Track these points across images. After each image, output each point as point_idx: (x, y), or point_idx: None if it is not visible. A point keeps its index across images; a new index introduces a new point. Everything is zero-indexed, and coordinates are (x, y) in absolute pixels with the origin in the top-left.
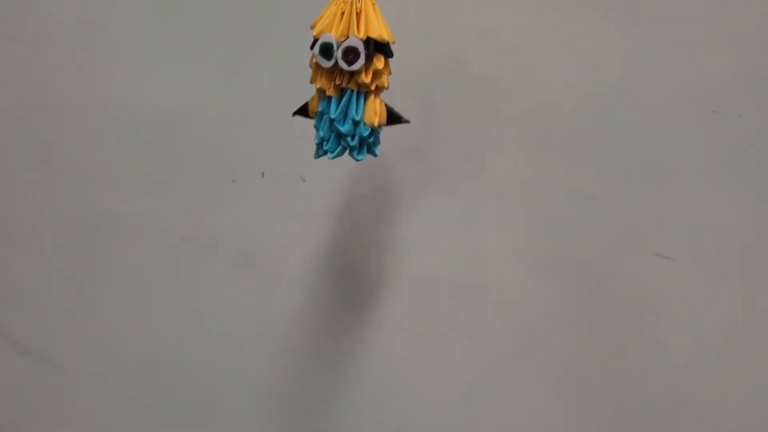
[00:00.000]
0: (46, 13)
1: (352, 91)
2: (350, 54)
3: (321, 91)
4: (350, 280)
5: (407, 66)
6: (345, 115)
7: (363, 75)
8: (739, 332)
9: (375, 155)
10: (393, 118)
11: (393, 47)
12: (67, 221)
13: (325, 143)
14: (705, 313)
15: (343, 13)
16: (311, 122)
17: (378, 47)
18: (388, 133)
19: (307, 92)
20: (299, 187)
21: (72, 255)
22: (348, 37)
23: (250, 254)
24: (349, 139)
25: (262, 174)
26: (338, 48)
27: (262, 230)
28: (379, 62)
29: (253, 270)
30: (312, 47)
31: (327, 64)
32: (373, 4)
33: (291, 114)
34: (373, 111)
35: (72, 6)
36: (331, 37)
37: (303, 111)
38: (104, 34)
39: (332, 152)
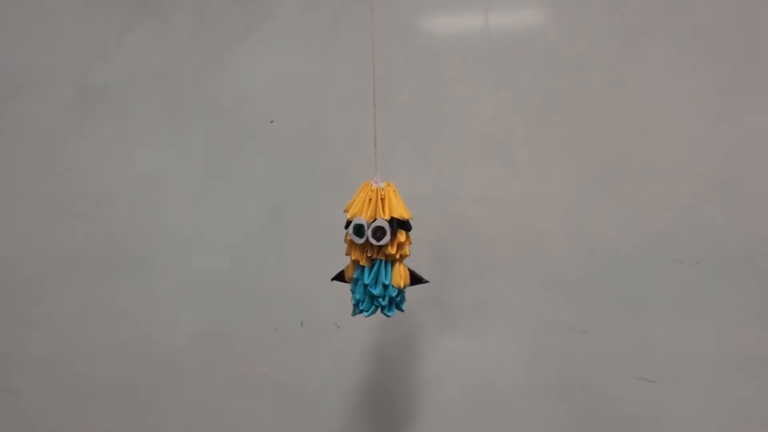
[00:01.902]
0: (103, 188)
1: (381, 260)
2: (378, 232)
3: (355, 262)
4: (382, 411)
5: (422, 227)
6: (376, 280)
7: (389, 248)
8: None
9: (402, 311)
10: (415, 279)
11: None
12: (129, 369)
13: (360, 304)
14: (683, 427)
15: (370, 200)
16: (338, 282)
17: (400, 224)
18: (411, 287)
19: (337, 253)
20: (335, 333)
21: (137, 399)
22: (376, 219)
23: (292, 392)
24: (380, 299)
25: (302, 323)
26: (368, 228)
27: (302, 371)
28: (401, 236)
29: (295, 406)
30: (346, 227)
31: (359, 240)
32: (394, 190)
33: (329, 279)
34: (399, 275)
35: (126, 179)
36: (363, 219)
37: (340, 277)
38: (157, 201)
39: (367, 311)
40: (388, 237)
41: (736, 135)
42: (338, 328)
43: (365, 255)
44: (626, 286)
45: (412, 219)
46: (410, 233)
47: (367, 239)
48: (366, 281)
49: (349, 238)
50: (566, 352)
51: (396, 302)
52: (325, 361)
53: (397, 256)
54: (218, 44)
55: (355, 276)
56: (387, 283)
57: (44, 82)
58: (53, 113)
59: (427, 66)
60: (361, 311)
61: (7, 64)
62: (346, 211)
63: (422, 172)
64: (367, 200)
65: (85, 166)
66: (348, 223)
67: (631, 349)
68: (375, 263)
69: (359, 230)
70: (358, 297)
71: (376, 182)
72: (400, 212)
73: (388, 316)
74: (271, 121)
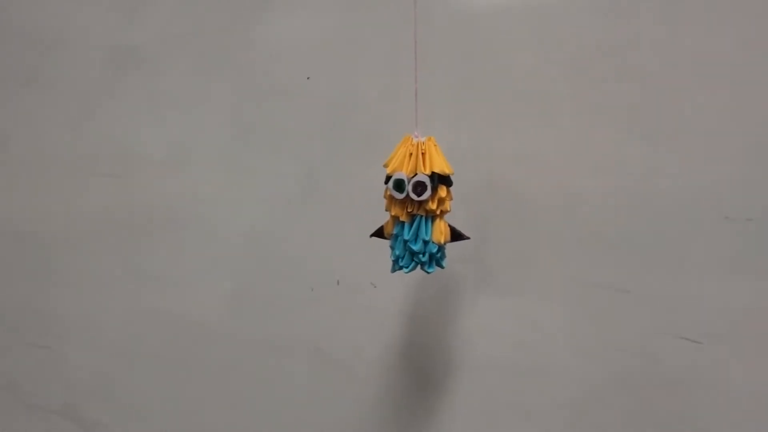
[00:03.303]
0: (136, 149)
1: (422, 216)
2: (419, 187)
3: (395, 218)
4: (418, 371)
5: (461, 184)
6: (416, 236)
7: (430, 203)
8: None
9: (442, 267)
10: (456, 235)
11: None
12: (161, 332)
13: (400, 260)
14: (732, 388)
15: (411, 154)
16: (375, 238)
17: (441, 180)
18: (451, 243)
19: (372, 211)
20: (371, 293)
21: (169, 360)
22: (416, 174)
23: (326, 352)
24: (420, 255)
25: (338, 282)
26: (409, 183)
27: (337, 331)
28: (442, 191)
29: (330, 366)
30: (386, 182)
31: (400, 196)
32: (435, 145)
33: (366, 235)
34: (439, 231)
35: (158, 140)
36: (403, 174)
37: (379, 233)
38: (189, 161)
39: (407, 267)
40: (428, 192)
41: None
42: (375, 287)
43: (405, 210)
44: (671, 245)
45: (453, 174)
46: (451, 189)
47: (408, 194)
48: (406, 237)
49: (389, 193)
50: (607, 313)
51: (436, 258)
52: (361, 320)
53: (438, 212)
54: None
55: (394, 232)
56: (427, 239)
57: (75, 42)
58: (84, 74)
59: (466, 19)
60: (401, 267)
61: (38, 25)
62: (385, 165)
63: (461, 128)
64: (407, 155)
65: (117, 126)
66: (388, 177)
67: (675, 310)
68: (415, 219)
69: (399, 185)
70: (397, 253)
71: (417, 136)
72: (441, 167)
73: (428, 273)
74: (308, 78)
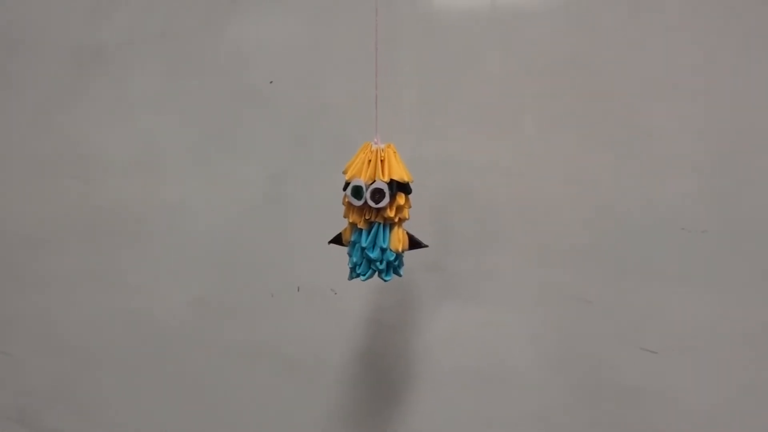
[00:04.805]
0: (100, 151)
1: (379, 223)
2: (377, 194)
3: (353, 224)
4: (380, 378)
5: (424, 191)
6: (374, 243)
7: (388, 210)
8: (717, 414)
9: (400, 276)
10: (414, 244)
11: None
12: (124, 336)
13: (357, 267)
14: (687, 398)
15: (370, 161)
16: (336, 245)
17: (400, 187)
18: (410, 251)
19: (334, 218)
20: (331, 299)
21: (132, 365)
22: (375, 181)
23: (288, 358)
24: (378, 263)
25: (298, 288)
26: (367, 190)
27: (298, 337)
28: (401, 199)
29: (291, 372)
30: (345, 189)
31: (358, 203)
32: (395, 152)
33: (326, 242)
34: (397, 239)
35: (123, 142)
36: (361, 181)
37: (337, 240)
38: (154, 164)
39: (364, 275)
40: (387, 199)
41: (749, 102)
42: (335, 294)
43: (363, 218)
44: (632, 256)
45: (412, 182)
46: (411, 197)
47: (366, 201)
48: (363, 244)
49: (347, 200)
50: (570, 323)
51: (394, 266)
52: (322, 326)
53: (396, 220)
54: (217, 3)
55: (352, 239)
56: (385, 246)
57: (40, 42)
58: (49, 74)
59: (432, 27)
60: (358, 275)
61: (3, 23)
62: (344, 172)
63: (425, 136)
64: (366, 161)
65: (82, 127)
66: (346, 184)
67: (636, 320)
68: (373, 226)
69: (357, 192)
70: (355, 260)
71: (376, 143)
72: (400, 174)
73: (385, 281)
74: (270, 82)
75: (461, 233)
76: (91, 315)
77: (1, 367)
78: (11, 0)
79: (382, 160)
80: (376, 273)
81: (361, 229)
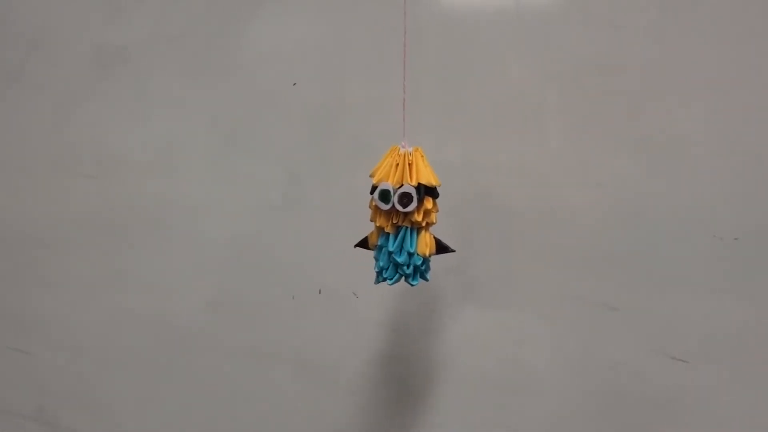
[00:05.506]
0: (119, 151)
1: (407, 228)
2: (405, 198)
3: (380, 228)
4: (400, 383)
5: (448, 195)
6: (401, 248)
7: (416, 215)
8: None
9: (426, 280)
10: (441, 248)
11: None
12: (141, 336)
13: (384, 272)
14: (718, 408)
15: (397, 165)
16: (361, 249)
17: (427, 191)
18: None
19: (357, 220)
20: (353, 302)
21: (149, 365)
22: (403, 185)
23: (308, 361)
24: (405, 268)
25: (320, 291)
26: (395, 194)
27: (318, 340)
28: (428, 203)
29: (311, 375)
30: (372, 192)
31: (385, 207)
32: (422, 156)
33: (347, 244)
34: (424, 244)
35: (142, 142)
36: (389, 185)
37: (363, 244)
38: (173, 164)
39: (391, 279)
40: (414, 203)
41: None
42: (357, 297)
43: (390, 221)
44: (660, 263)
45: (440, 186)
46: (437, 201)
47: (393, 205)
48: (391, 248)
49: (374, 203)
50: (594, 330)
51: (421, 271)
52: (343, 330)
53: (424, 224)
54: (240, 3)
55: (379, 243)
56: (412, 251)
57: (60, 42)
58: (69, 73)
59: (455, 28)
60: (385, 279)
61: (24, 23)
62: (371, 175)
63: (449, 139)
64: (393, 165)
65: (101, 127)
66: (374, 188)
67: (662, 328)
68: (400, 230)
69: (385, 196)
70: (381, 265)
71: (404, 147)
72: (428, 178)
73: (412, 285)
74: (294, 84)
75: (483, 236)
76: (109, 315)
77: (21, 366)
78: (32, 0)
79: (410, 164)
80: (403, 277)
81: (388, 233)
